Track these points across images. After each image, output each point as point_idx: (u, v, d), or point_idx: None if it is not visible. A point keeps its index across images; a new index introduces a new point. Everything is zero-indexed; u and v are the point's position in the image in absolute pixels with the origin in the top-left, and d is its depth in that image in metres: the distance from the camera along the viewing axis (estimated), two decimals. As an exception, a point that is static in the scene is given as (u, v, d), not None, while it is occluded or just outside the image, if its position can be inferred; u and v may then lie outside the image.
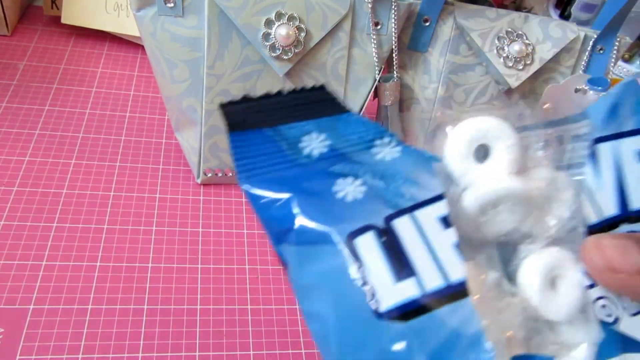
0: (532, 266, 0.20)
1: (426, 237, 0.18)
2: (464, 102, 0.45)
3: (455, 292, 0.17)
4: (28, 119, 0.48)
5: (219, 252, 0.41)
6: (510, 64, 0.43)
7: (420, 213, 0.18)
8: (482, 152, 0.21)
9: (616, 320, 0.19)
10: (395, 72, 0.43)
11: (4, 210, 0.40)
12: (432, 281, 0.17)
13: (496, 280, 0.20)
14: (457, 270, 0.17)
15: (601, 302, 0.19)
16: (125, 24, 0.57)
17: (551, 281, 0.20)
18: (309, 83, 0.40)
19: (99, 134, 0.48)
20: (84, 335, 0.34)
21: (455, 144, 0.21)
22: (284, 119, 0.21)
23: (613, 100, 0.22)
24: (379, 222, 0.18)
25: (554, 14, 0.77)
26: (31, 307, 0.35)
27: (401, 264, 0.17)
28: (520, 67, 0.43)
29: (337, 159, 0.20)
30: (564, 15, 0.75)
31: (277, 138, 0.21)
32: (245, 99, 0.20)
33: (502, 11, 0.44)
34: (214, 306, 0.38)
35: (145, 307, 0.37)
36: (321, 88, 0.21)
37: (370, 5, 0.39)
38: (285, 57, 0.38)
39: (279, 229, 0.19)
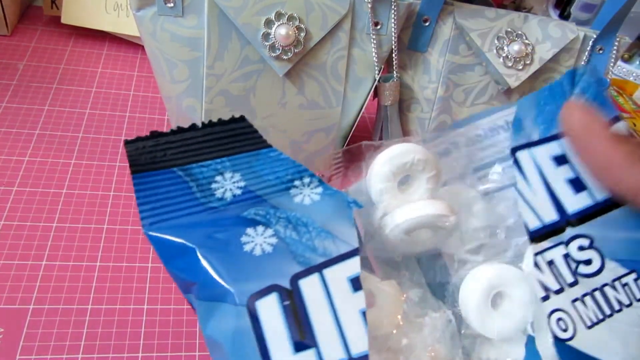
0: (472, 282, 0.20)
1: (333, 302, 0.17)
2: (464, 102, 0.45)
3: None
4: (28, 119, 0.48)
5: (219, 252, 0.41)
6: (510, 64, 0.43)
7: (330, 272, 0.17)
8: (404, 177, 0.22)
9: (573, 336, 0.18)
10: (395, 72, 0.43)
11: (4, 210, 0.40)
12: (333, 354, 0.16)
13: (419, 297, 0.19)
14: (360, 343, 0.16)
15: (557, 315, 0.19)
16: (125, 24, 0.57)
17: (493, 299, 0.20)
18: (309, 83, 0.40)
19: (99, 134, 0.49)
20: (84, 335, 0.34)
21: (378, 172, 0.21)
22: (195, 157, 0.19)
23: (515, 116, 0.22)
24: (285, 282, 0.17)
25: (554, 13, 0.77)
26: (31, 307, 0.35)
27: (302, 333, 0.16)
28: (520, 67, 0.43)
29: (252, 202, 0.19)
30: (564, 15, 0.75)
31: (187, 179, 0.19)
32: (155, 135, 0.19)
33: (501, 11, 0.44)
34: (213, 306, 0.38)
35: (145, 307, 0.37)
36: (240, 120, 0.19)
37: (370, 5, 0.39)
38: (285, 57, 0.38)
39: (184, 279, 0.18)
